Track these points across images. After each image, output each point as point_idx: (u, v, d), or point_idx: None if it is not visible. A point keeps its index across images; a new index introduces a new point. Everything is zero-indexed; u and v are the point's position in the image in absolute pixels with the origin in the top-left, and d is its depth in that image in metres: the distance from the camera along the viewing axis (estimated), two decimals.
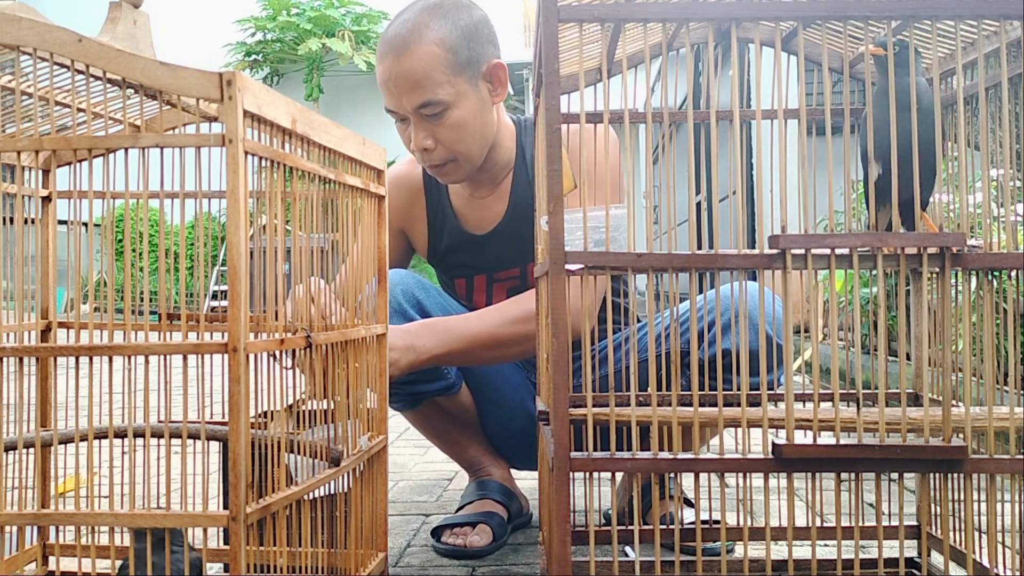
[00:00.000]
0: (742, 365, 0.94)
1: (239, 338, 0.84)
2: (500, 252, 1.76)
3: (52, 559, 1.28)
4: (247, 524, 0.85)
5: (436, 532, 1.66)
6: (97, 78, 0.94)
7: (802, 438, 0.92)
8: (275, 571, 0.96)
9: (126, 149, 0.90)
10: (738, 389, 1.40)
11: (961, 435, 0.94)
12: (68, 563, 1.30)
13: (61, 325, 1.24)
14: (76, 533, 1.20)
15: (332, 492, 1.12)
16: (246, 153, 0.85)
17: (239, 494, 0.84)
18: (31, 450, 1.20)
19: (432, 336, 1.51)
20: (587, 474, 1.06)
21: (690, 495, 1.78)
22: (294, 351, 1.00)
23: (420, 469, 2.44)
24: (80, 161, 1.11)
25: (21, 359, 0.94)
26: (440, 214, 1.79)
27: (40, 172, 1.26)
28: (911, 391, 1.26)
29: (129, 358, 0.89)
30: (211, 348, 0.86)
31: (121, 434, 1.01)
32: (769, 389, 1.45)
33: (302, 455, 1.02)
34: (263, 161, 0.91)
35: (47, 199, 1.27)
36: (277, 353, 0.98)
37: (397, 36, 1.54)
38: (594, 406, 1.10)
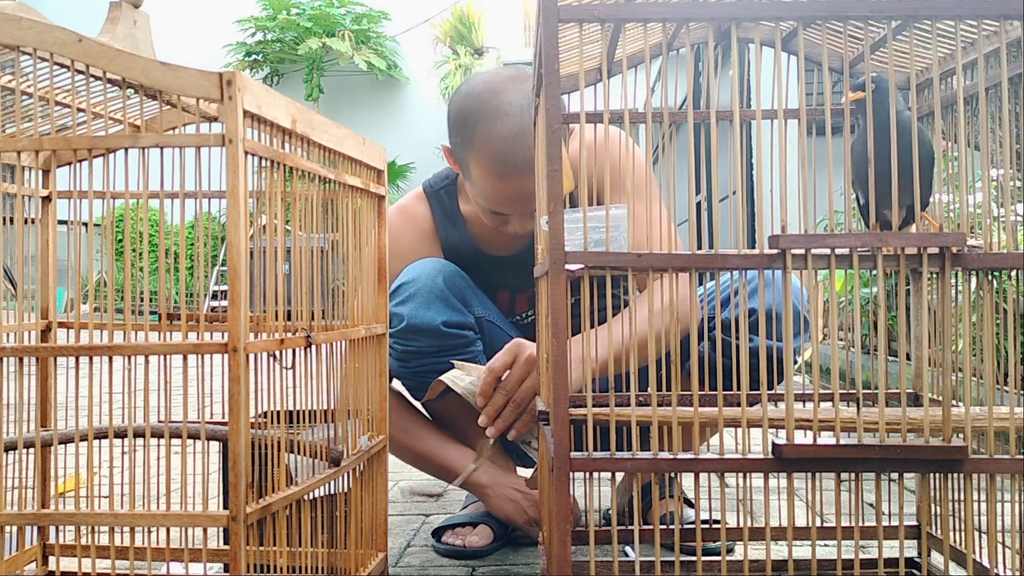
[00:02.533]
0: (742, 366, 0.94)
1: (239, 338, 0.84)
2: (525, 271, 1.75)
3: (52, 559, 1.28)
4: (247, 524, 0.85)
5: (436, 532, 1.66)
6: (97, 78, 0.94)
7: (802, 438, 0.92)
8: (275, 571, 0.96)
9: (126, 149, 0.90)
10: (738, 388, 1.40)
11: (961, 435, 0.94)
12: (68, 563, 1.30)
13: (61, 325, 1.24)
14: (76, 533, 1.20)
15: (332, 492, 1.12)
16: (246, 153, 0.85)
17: (239, 494, 0.84)
18: (31, 450, 1.20)
19: (599, 345, 1.47)
20: (587, 474, 1.06)
21: (690, 495, 1.78)
22: (294, 351, 1.00)
23: None
24: (80, 161, 1.12)
25: (21, 359, 0.94)
26: (460, 244, 1.78)
27: (40, 172, 1.26)
28: (911, 391, 1.26)
29: (129, 358, 0.89)
30: (211, 348, 0.86)
31: (121, 434, 1.01)
32: (779, 379, 1.45)
33: (302, 455, 1.02)
34: (263, 161, 0.91)
35: (47, 199, 1.27)
36: (277, 353, 0.98)
37: (520, 156, 1.49)
38: (594, 406, 1.10)
